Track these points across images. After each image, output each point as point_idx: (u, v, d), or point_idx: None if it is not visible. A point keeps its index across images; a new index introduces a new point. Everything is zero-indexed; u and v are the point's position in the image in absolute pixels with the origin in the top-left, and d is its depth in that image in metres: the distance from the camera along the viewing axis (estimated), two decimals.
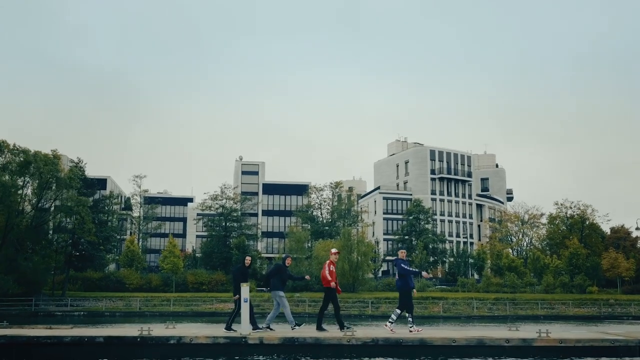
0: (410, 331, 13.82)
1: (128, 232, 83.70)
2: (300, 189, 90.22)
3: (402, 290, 14.66)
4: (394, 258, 16.12)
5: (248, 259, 14.62)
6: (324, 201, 79.02)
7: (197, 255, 77.53)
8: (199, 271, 65.01)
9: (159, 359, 12.30)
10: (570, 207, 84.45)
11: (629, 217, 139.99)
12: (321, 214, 79.10)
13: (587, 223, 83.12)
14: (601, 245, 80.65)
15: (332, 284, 14.36)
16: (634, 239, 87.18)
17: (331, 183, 78.95)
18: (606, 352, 12.54)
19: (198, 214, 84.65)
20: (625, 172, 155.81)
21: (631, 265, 70.69)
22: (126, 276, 61.54)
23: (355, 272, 58.88)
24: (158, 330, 13.68)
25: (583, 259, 70.69)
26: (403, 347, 12.76)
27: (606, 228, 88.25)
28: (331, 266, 14.74)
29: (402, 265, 14.56)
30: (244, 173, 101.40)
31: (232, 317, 14.13)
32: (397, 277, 14.87)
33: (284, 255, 15.40)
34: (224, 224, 72.42)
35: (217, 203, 73.55)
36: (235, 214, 73.76)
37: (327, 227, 75.07)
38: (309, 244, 70.38)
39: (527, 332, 14.22)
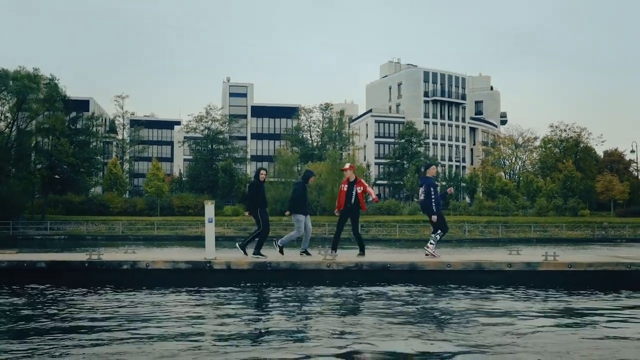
0: (427, 253, 12.25)
1: (114, 155, 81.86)
2: (290, 112, 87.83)
3: (428, 211, 12.54)
4: (423, 177, 13.12)
5: (263, 173, 12.51)
6: (314, 123, 76.98)
7: (183, 179, 75.96)
8: (184, 195, 63.61)
9: (111, 285, 10.66)
10: (565, 130, 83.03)
11: (622, 140, 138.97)
12: (310, 136, 77.25)
13: (582, 146, 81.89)
14: (595, 168, 79.74)
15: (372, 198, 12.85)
16: (628, 162, 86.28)
17: (321, 104, 76.75)
18: (621, 277, 10.99)
19: (185, 137, 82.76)
20: (621, 94, 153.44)
21: (625, 188, 69.90)
22: (110, 200, 60.04)
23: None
24: (110, 254, 12.01)
25: (577, 182, 69.74)
26: (391, 273, 11.17)
27: (600, 151, 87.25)
28: (345, 185, 12.79)
29: (431, 188, 12.42)
30: (232, 95, 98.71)
31: (253, 239, 12.57)
32: (422, 197, 12.52)
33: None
34: (209, 146, 70.47)
35: (202, 125, 71.34)
36: (221, 136, 71.70)
37: (316, 150, 73.36)
38: (298, 167, 68.85)
39: (530, 255, 12.65)
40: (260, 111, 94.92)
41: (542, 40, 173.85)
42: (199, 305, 8.79)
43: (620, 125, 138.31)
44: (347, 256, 12.26)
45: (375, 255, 13.07)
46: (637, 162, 79.88)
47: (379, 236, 51.05)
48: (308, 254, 12.65)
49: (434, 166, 13.29)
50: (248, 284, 10.82)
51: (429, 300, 9.39)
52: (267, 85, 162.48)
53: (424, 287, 10.59)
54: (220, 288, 10.40)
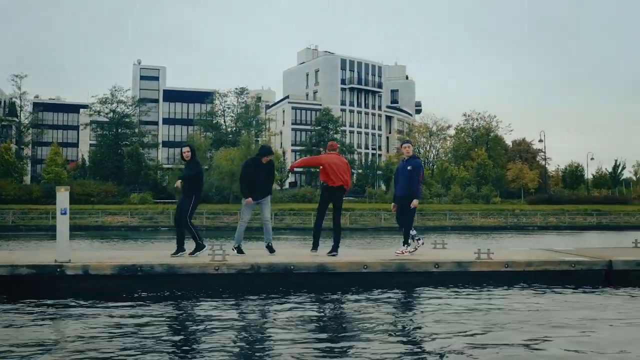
0: (397, 253, 10.30)
1: (14, 140, 75.91)
2: (204, 96, 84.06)
3: (407, 198, 10.44)
4: (406, 158, 10.65)
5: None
6: (228, 108, 74.00)
7: (86, 165, 71.32)
8: (86, 182, 59.38)
9: None
10: (477, 119, 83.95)
11: (529, 130, 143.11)
12: (224, 122, 74.22)
13: (492, 135, 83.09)
14: (504, 157, 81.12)
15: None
16: (536, 151, 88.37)
17: (236, 88, 73.74)
18: (564, 277, 9.39)
19: (92, 121, 77.85)
20: (529, 84, 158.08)
21: (535, 176, 71.16)
22: (2, 187, 55.04)
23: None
24: None
25: (489, 170, 70.41)
26: (294, 276, 9.09)
27: (509, 140, 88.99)
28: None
29: (421, 172, 10.39)
30: (142, 78, 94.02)
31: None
32: (404, 180, 10.45)
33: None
34: (115, 130, 66.28)
35: (107, 108, 66.92)
36: (128, 120, 67.56)
37: (230, 136, 70.53)
38: (210, 153, 65.95)
39: (458, 251, 10.88)
40: (172, 95, 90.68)
41: (454, 31, 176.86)
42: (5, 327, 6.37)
43: (529, 114, 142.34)
44: (242, 256, 10.06)
45: (278, 252, 10.95)
46: (544, 151, 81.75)
47: (294, 225, 49.09)
48: (271, 249, 10.51)
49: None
50: (111, 294, 8.43)
51: (336, 315, 7.35)
52: (181, 70, 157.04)
53: (333, 296, 8.56)
54: (72, 301, 7.96)
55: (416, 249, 10.40)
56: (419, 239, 10.43)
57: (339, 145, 10.91)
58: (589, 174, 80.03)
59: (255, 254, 10.78)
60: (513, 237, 33.95)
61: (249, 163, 10.77)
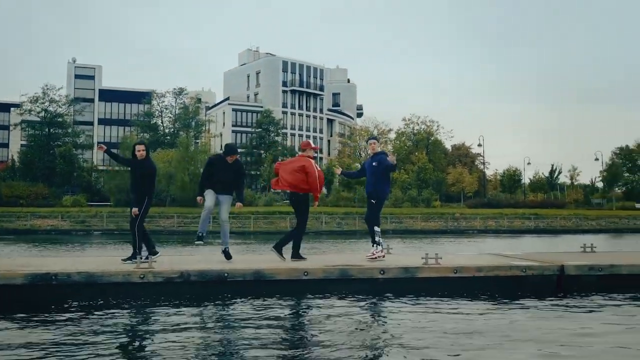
0: (373, 257, 9.76)
1: None
2: (141, 96, 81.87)
3: (380, 197, 10.09)
4: (372, 154, 10.25)
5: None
6: (166, 108, 72.16)
7: (16, 165, 68.17)
8: (15, 183, 56.68)
9: None
10: (418, 123, 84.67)
11: (469, 134, 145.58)
12: (162, 122, 72.33)
13: (432, 139, 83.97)
14: (444, 161, 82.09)
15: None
16: (474, 156, 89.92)
17: (174, 89, 72.00)
18: (515, 283, 8.93)
19: (22, 121, 74.35)
20: (472, 90, 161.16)
21: (474, 180, 72.14)
22: None
23: (197, 184, 53.60)
24: None
25: (430, 174, 70.97)
26: (228, 284, 8.32)
27: (449, 145, 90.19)
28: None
29: (385, 166, 9.92)
30: (77, 77, 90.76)
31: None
32: (371, 177, 10.05)
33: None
34: (47, 130, 63.55)
35: (38, 106, 64.13)
36: (60, 119, 64.89)
37: (168, 137, 68.78)
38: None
39: (405, 256, 10.32)
40: (109, 95, 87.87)
41: (397, 36, 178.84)
42: None
43: (469, 119, 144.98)
44: (170, 263, 9.19)
45: (214, 258, 10.18)
46: (483, 156, 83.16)
47: (233, 228, 47.93)
48: (228, 255, 9.68)
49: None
50: (21, 306, 7.45)
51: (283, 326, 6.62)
52: (118, 70, 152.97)
53: (271, 305, 7.82)
54: None
55: (374, 254, 9.83)
56: (382, 247, 9.98)
57: (312, 144, 10.28)
58: (526, 178, 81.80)
59: (188, 260, 9.94)
60: (455, 241, 33.94)
61: (213, 160, 10.00)
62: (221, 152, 10.22)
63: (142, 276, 8.06)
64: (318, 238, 39.83)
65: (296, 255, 9.76)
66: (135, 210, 9.36)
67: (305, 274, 8.46)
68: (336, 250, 25.03)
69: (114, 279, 8.02)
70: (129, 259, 9.26)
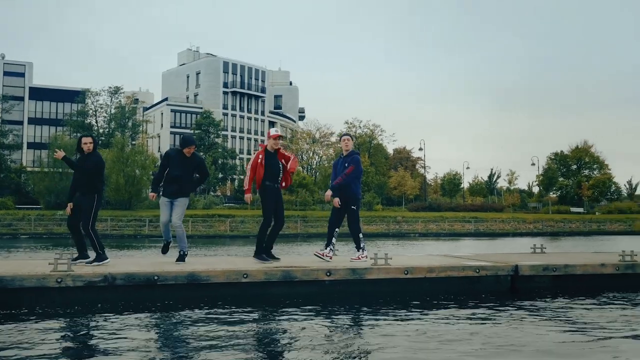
0: (353, 259, 9.36)
1: None
2: (75, 95, 78.96)
3: (359, 201, 9.60)
4: (344, 154, 9.55)
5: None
6: (101, 107, 69.78)
7: None
8: None
9: None
10: (360, 127, 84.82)
11: (411, 138, 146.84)
12: (97, 122, 69.92)
13: (374, 143, 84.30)
14: (385, 164, 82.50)
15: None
16: (415, 160, 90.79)
17: (110, 87, 69.68)
18: (468, 284, 8.44)
19: None
20: (413, 94, 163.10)
21: (416, 184, 72.63)
22: None
23: (133, 186, 51.92)
24: None
25: (372, 177, 71.09)
26: (159, 288, 7.49)
27: (390, 149, 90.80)
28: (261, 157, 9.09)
29: (358, 167, 9.37)
30: (6, 74, 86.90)
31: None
32: (340, 179, 9.40)
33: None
34: None
35: None
36: None
37: (103, 137, 66.50)
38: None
39: (360, 261, 9.69)
40: (40, 93, 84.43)
41: (337, 39, 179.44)
42: None
43: (410, 123, 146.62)
44: (93, 266, 8.27)
45: (142, 262, 9.33)
46: (424, 160, 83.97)
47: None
48: (183, 259, 8.78)
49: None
50: None
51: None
52: (50, 68, 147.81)
53: (206, 311, 7.05)
54: None
55: (360, 257, 9.33)
56: (366, 251, 9.54)
57: (270, 133, 9.50)
58: (465, 182, 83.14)
59: (116, 262, 9.03)
60: (398, 244, 33.73)
61: (170, 153, 8.95)
62: (178, 146, 9.29)
63: (59, 280, 7.14)
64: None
65: (257, 255, 9.08)
66: (70, 205, 8.51)
67: (245, 276, 7.72)
68: (279, 253, 24.22)
69: (27, 284, 7.08)
70: (95, 260, 8.40)
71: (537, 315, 7.04)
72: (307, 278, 7.93)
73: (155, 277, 7.46)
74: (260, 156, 9.06)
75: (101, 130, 68.93)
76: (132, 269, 7.72)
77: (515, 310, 7.33)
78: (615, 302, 8.03)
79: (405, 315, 6.92)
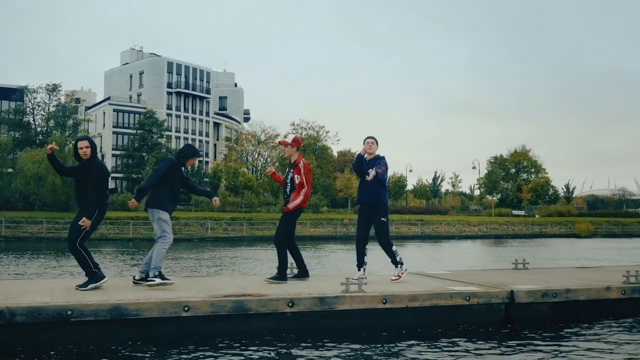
0: (398, 279, 8.06)
1: None
2: (11, 93, 74.66)
3: (380, 206, 8.11)
4: (368, 159, 8.05)
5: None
6: (38, 105, 66.28)
7: None
8: None
9: None
10: (306, 129, 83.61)
11: (356, 141, 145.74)
12: (34, 120, 66.34)
13: (319, 145, 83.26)
14: (331, 166, 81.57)
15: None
16: None
17: (47, 84, 66.16)
18: (456, 314, 7.05)
19: None
20: (357, 96, 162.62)
21: None
22: None
23: (71, 187, 48.84)
24: None
25: (318, 179, 69.95)
26: (72, 327, 5.82)
27: (335, 151, 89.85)
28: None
29: (383, 167, 7.95)
30: None
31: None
32: (368, 181, 7.94)
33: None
34: None
35: None
36: None
37: (41, 136, 63.13)
38: (14, 155, 58.27)
39: (318, 280, 8.21)
40: None
41: (283, 40, 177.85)
42: None
43: (354, 125, 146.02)
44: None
45: (56, 291, 7.61)
46: None
47: (109, 235, 44.05)
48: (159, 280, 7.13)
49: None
50: None
51: None
52: None
53: (138, 356, 5.42)
54: None
55: (400, 275, 8.04)
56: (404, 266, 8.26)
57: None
58: (409, 185, 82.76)
59: (22, 288, 7.26)
60: (348, 249, 32.44)
61: (176, 164, 7.51)
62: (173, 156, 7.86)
63: None
64: (203, 245, 37.05)
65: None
66: (85, 220, 6.86)
67: (186, 308, 6.11)
68: (226, 264, 22.57)
69: None
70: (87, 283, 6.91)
71: (538, 352, 5.75)
72: (264, 310, 6.37)
73: (69, 312, 5.77)
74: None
75: (39, 129, 65.39)
76: (39, 301, 6.00)
77: (513, 347, 5.99)
78: (624, 332, 6.82)
79: (386, 356, 5.47)
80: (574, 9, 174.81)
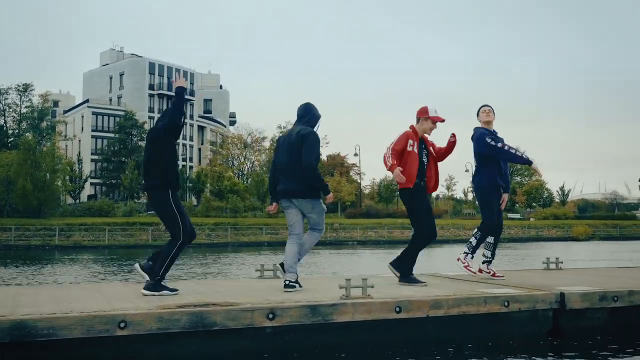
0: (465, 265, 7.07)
1: None
2: None
3: (482, 191, 7.15)
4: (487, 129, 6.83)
5: None
6: (9, 107, 64.04)
7: None
8: None
9: None
10: None
11: (345, 144, 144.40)
12: (5, 122, 64.07)
13: None
14: (320, 169, 79.96)
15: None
16: (350, 166, 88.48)
17: (18, 85, 63.92)
18: (491, 324, 5.31)
19: None
20: (347, 99, 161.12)
21: (353, 190, 70.34)
22: None
23: (42, 192, 46.74)
24: None
25: None
26: (36, 347, 4.00)
27: (324, 155, 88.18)
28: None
29: (487, 139, 6.96)
30: None
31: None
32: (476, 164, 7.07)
33: None
34: None
35: None
36: None
37: (12, 138, 60.95)
38: None
39: (307, 282, 6.44)
40: None
41: (268, 42, 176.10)
42: None
43: (344, 129, 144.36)
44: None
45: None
46: (359, 166, 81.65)
47: (84, 242, 41.92)
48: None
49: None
50: None
51: None
52: None
53: None
54: None
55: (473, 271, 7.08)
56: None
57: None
58: None
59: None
60: (340, 253, 30.76)
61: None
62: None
63: None
64: (184, 252, 35.20)
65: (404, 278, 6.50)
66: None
67: (122, 325, 4.31)
68: (202, 271, 20.73)
69: None
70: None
71: None
72: (234, 324, 4.58)
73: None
74: (411, 140, 6.50)
75: (10, 132, 63.15)
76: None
77: None
78: None
79: None
80: (574, 9, 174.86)
